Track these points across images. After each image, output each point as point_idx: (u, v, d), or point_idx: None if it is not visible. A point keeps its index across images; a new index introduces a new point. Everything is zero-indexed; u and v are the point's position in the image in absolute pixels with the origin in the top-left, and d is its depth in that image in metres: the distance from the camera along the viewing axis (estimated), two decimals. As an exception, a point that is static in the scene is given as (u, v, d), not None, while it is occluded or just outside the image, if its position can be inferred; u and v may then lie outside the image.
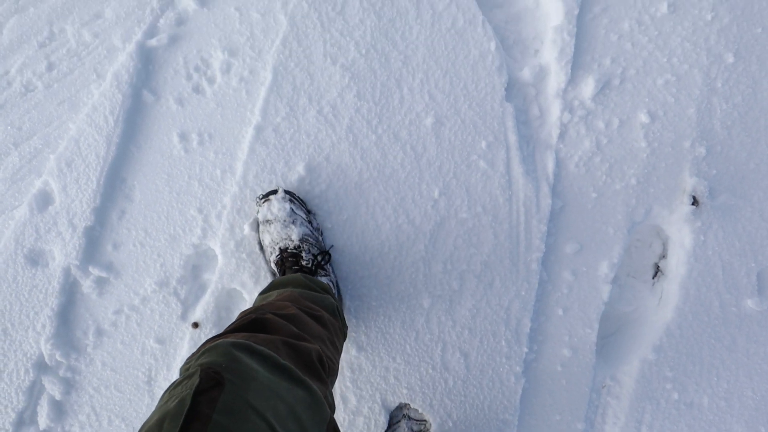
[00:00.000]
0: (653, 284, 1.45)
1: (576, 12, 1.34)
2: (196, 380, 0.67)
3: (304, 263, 1.20)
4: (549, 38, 1.35)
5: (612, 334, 1.47)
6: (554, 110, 1.33)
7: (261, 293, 1.12)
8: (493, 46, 1.31)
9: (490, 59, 1.31)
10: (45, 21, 1.31)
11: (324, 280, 1.21)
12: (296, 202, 1.24)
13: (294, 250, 1.20)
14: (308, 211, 1.27)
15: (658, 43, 1.35)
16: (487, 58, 1.31)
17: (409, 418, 1.26)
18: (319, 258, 1.20)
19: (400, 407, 1.28)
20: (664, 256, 1.44)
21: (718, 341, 1.35)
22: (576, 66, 1.32)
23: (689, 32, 1.36)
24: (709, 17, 1.37)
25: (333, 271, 1.27)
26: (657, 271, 1.45)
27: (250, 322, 0.87)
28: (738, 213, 1.34)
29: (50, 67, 1.29)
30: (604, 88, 1.34)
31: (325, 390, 0.83)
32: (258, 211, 1.24)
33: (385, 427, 1.28)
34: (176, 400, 0.65)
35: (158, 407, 0.68)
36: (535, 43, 1.39)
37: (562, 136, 1.32)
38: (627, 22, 1.36)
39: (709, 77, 1.36)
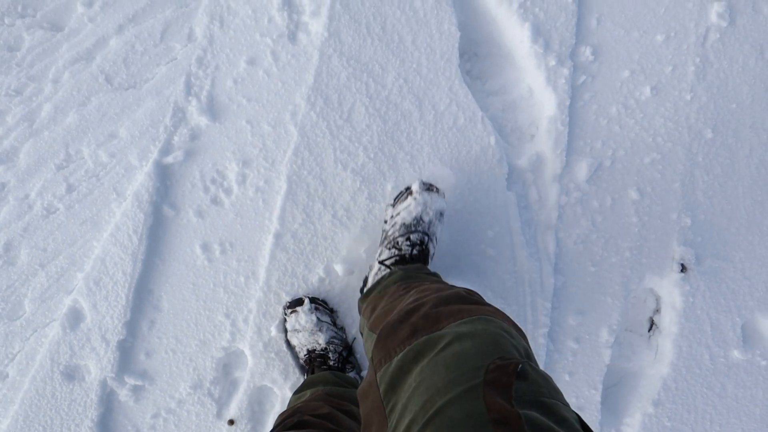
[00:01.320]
0: (649, 338, 1.57)
1: (568, 102, 1.43)
2: None
3: (331, 363, 1.31)
4: (544, 127, 1.44)
5: (614, 385, 1.59)
6: (552, 194, 1.42)
7: (294, 393, 1.24)
8: (492, 140, 1.40)
9: (491, 153, 1.40)
10: (61, 143, 1.35)
11: (351, 374, 1.33)
12: (321, 308, 1.33)
13: (321, 352, 1.31)
14: (332, 311, 1.37)
15: (644, 125, 1.46)
16: (488, 152, 1.39)
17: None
18: (345, 354, 1.31)
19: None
20: (658, 311, 1.56)
21: (709, 389, 1.48)
22: (570, 152, 1.42)
23: (671, 112, 1.47)
24: (688, 97, 1.47)
25: (357, 362, 1.36)
26: (652, 324, 1.57)
27: (292, 426, 0.97)
28: (722, 274, 1.47)
29: (70, 189, 1.33)
30: (597, 170, 1.44)
31: None
32: (285, 320, 1.33)
33: None
34: None
35: None
36: (530, 129, 1.47)
37: (560, 217, 1.42)
38: (614, 107, 1.46)
39: (691, 152, 1.47)
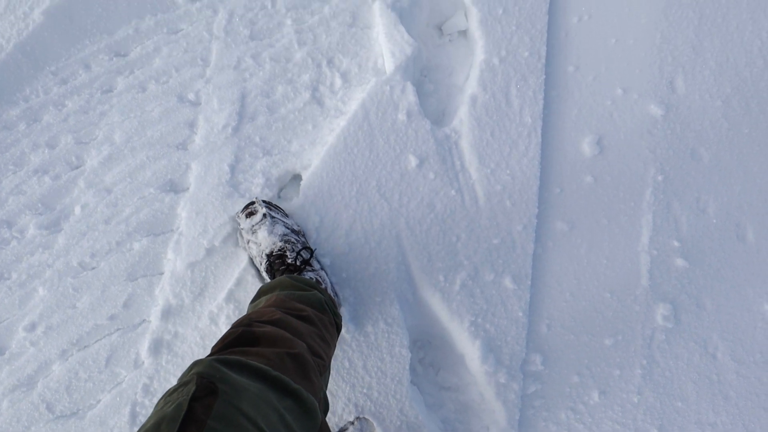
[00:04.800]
0: None
1: (517, 416, 1.44)
2: (192, 387, 0.72)
3: (289, 261, 1.34)
4: (495, 439, 1.44)
5: None
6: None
7: (251, 301, 1.24)
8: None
9: (443, 476, 1.39)
10: None
11: (311, 275, 1.34)
12: (273, 208, 1.43)
13: (279, 252, 1.35)
14: (286, 215, 1.46)
15: (593, 429, 1.46)
16: (439, 477, 1.38)
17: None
18: (304, 255, 1.35)
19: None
20: None
21: None
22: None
23: (619, 415, 1.49)
24: (635, 399, 1.48)
25: (323, 268, 1.43)
26: None
27: (238, 337, 0.95)
28: None
29: None
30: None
31: (317, 391, 0.93)
32: (241, 228, 1.43)
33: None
34: (173, 405, 0.70)
35: (155, 412, 0.75)
36: (483, 434, 1.47)
37: None
38: (564, 413, 1.48)
39: (640, 454, 1.48)
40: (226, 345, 0.92)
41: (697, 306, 1.60)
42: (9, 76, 1.46)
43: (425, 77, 1.63)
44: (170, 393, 0.74)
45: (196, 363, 0.78)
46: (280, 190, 1.53)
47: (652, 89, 1.63)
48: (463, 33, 1.68)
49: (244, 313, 1.47)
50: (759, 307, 1.61)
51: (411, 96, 1.49)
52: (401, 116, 1.49)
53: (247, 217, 1.42)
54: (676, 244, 1.59)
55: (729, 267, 1.62)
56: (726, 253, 1.62)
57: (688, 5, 1.64)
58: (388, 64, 1.51)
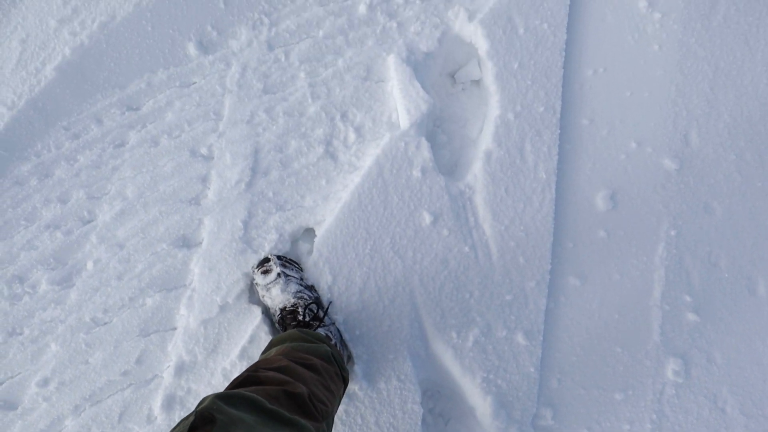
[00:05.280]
0: None
1: None
2: (191, 418, 0.80)
3: (300, 318, 1.39)
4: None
5: None
6: None
7: (263, 352, 1.31)
8: None
9: None
10: None
11: (321, 331, 1.40)
12: (288, 264, 1.47)
13: (291, 308, 1.40)
14: (300, 269, 1.50)
15: None
16: None
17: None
18: (314, 309, 1.40)
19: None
20: None
21: None
22: None
23: None
24: None
25: (334, 323, 1.47)
26: None
27: (243, 380, 1.02)
28: None
29: None
30: None
31: (319, 427, 1.00)
32: (255, 281, 1.47)
33: None
34: None
35: None
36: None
37: None
38: None
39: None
40: (231, 387, 1.00)
41: (707, 360, 1.60)
42: (21, 132, 1.45)
43: (438, 128, 1.62)
44: (173, 429, 0.81)
45: (200, 401, 0.86)
46: (293, 241, 1.52)
47: (667, 143, 1.62)
48: (476, 82, 1.67)
49: (258, 369, 1.48)
50: (769, 360, 1.62)
51: (426, 152, 1.48)
52: (416, 173, 1.48)
53: (262, 274, 1.46)
54: (687, 298, 1.59)
55: (740, 321, 1.62)
56: (737, 306, 1.63)
57: (703, 58, 1.63)
58: (403, 119, 1.50)
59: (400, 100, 1.50)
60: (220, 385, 1.46)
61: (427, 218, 1.50)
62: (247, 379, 1.02)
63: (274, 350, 1.22)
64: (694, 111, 1.64)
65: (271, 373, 1.03)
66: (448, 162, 1.62)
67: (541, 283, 1.55)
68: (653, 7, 1.65)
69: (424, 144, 1.50)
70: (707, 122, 1.64)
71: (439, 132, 1.63)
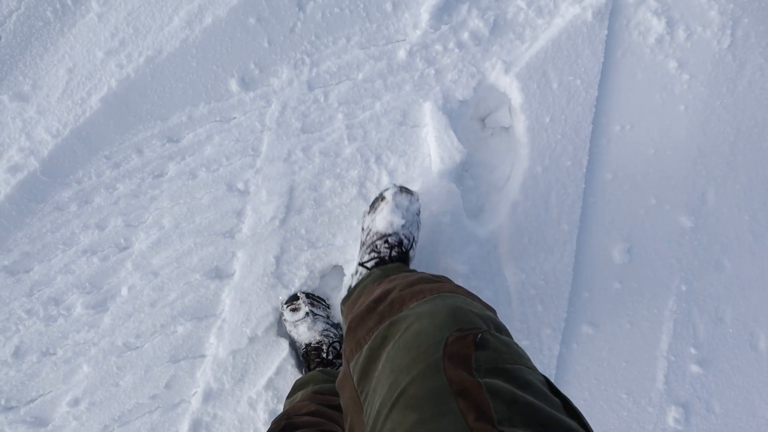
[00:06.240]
0: None
1: None
2: None
3: (324, 356, 1.46)
4: None
5: None
6: None
7: (287, 397, 1.38)
8: None
9: None
10: None
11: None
12: (316, 303, 1.52)
13: (316, 345, 1.48)
14: (327, 306, 1.56)
15: None
16: None
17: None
18: (338, 347, 1.46)
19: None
20: None
21: None
22: None
23: None
24: None
25: None
26: None
27: (282, 429, 1.05)
28: None
29: None
30: None
31: None
32: (283, 316, 1.51)
33: None
34: None
35: None
36: None
37: None
38: None
39: None
40: None
41: (706, 410, 1.68)
42: (64, 160, 1.47)
43: (466, 172, 1.66)
44: None
45: None
46: (322, 278, 1.57)
47: (684, 200, 1.68)
48: (506, 128, 1.71)
49: (282, 399, 1.54)
50: (764, 412, 1.71)
51: (456, 200, 1.53)
52: (445, 219, 1.53)
53: (291, 311, 1.50)
54: (692, 351, 1.67)
55: (740, 374, 1.70)
56: (738, 360, 1.71)
57: (726, 121, 1.68)
58: (435, 166, 1.54)
59: (435, 148, 1.54)
60: (245, 413, 1.51)
61: (452, 263, 1.55)
62: (286, 427, 1.07)
63: (299, 395, 1.28)
64: (714, 171, 1.70)
65: (305, 418, 1.09)
66: (474, 206, 1.67)
67: (556, 330, 1.61)
68: (683, 68, 1.70)
69: (455, 191, 1.54)
70: (725, 183, 1.70)
71: (467, 176, 1.68)
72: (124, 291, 1.52)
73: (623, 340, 1.67)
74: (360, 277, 1.25)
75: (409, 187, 1.40)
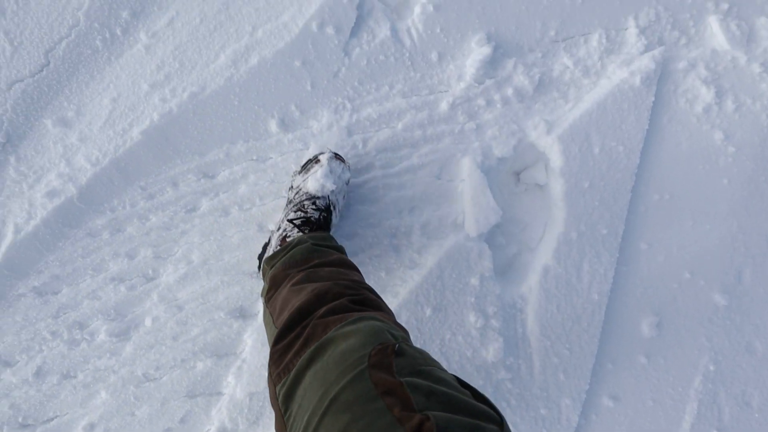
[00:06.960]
0: None
1: None
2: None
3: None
4: None
5: None
6: None
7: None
8: None
9: None
10: None
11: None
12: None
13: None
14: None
15: None
16: None
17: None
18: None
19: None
20: None
21: None
22: None
23: None
24: None
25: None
26: None
27: (360, 301, 1.04)
28: None
29: None
30: None
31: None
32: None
33: None
34: None
35: None
36: None
37: None
38: None
39: None
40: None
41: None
42: (100, 188, 1.48)
43: (498, 229, 1.64)
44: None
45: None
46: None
47: (720, 277, 1.63)
48: (540, 186, 1.68)
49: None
50: (785, 504, 1.66)
51: (487, 261, 1.51)
52: (474, 281, 1.51)
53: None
54: (715, 433, 1.63)
55: (762, 460, 1.65)
56: (762, 446, 1.66)
57: (771, 199, 1.63)
58: (469, 226, 1.52)
59: (470, 208, 1.51)
60: (256, 455, 1.51)
61: (478, 324, 1.53)
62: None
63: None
64: (752, 249, 1.65)
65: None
66: (502, 264, 1.64)
67: (576, 401, 1.58)
68: (729, 140, 1.65)
69: (487, 252, 1.52)
70: (763, 262, 1.65)
71: (498, 233, 1.65)
72: (148, 322, 1.53)
73: (644, 416, 1.63)
74: (286, 235, 1.29)
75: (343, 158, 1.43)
